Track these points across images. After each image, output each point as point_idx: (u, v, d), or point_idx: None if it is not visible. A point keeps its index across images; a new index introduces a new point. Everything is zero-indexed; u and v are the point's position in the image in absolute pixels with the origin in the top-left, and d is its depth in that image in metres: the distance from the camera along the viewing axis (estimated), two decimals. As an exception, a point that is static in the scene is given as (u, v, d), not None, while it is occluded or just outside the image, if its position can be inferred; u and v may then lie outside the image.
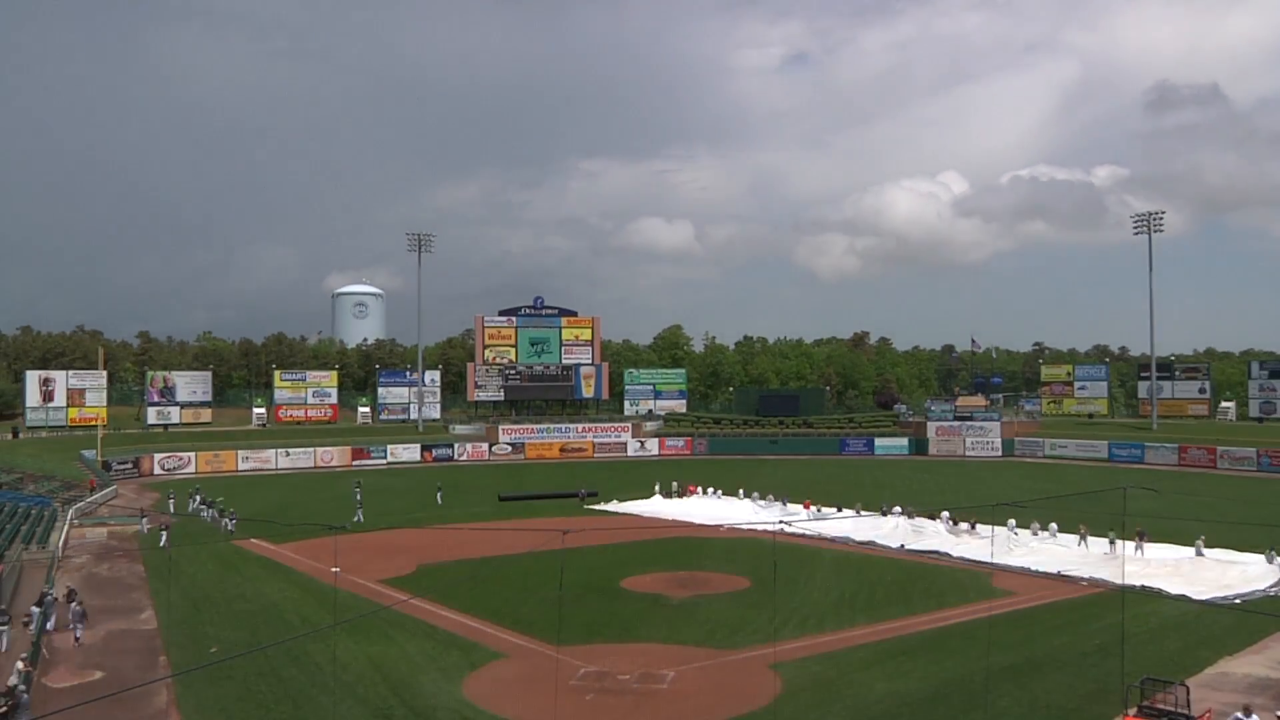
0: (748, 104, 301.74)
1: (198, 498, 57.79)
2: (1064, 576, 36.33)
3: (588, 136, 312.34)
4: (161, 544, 43.37)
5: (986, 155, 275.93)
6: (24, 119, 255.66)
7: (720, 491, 62.38)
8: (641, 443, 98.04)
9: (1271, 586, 33.91)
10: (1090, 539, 42.35)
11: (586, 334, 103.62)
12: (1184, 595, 32.73)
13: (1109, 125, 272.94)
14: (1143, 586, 33.24)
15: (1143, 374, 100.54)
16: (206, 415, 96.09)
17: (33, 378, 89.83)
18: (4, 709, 20.22)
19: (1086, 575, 36.15)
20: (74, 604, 29.69)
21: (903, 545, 43.51)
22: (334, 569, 34.03)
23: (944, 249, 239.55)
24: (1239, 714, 18.98)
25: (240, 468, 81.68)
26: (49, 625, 29.21)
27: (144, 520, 51.75)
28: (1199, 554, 38.41)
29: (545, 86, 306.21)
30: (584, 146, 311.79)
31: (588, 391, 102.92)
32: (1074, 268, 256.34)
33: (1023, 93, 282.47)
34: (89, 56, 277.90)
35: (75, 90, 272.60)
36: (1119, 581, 31.42)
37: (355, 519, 52.35)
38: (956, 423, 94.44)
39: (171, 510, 56.46)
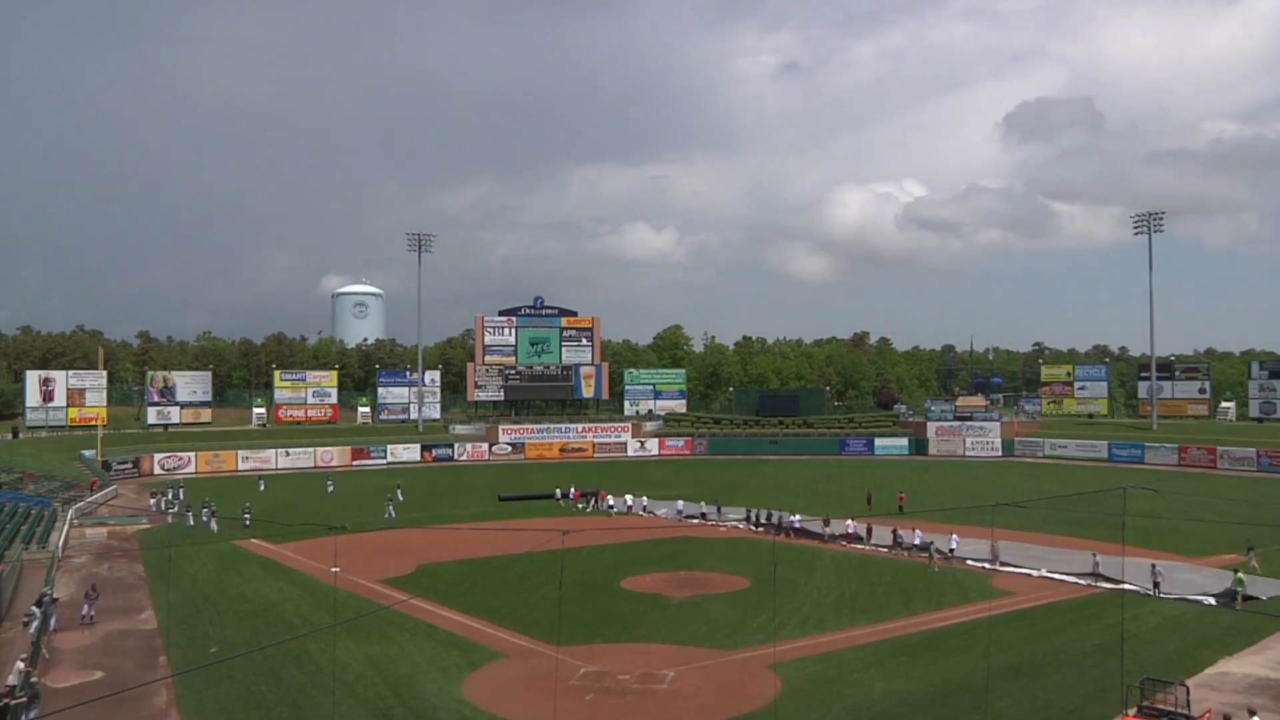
0: (742, 111, 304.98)
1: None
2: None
3: (585, 143, 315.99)
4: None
5: (979, 161, 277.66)
6: (31, 125, 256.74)
7: (645, 499, 57.20)
8: (641, 443, 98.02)
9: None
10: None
11: (586, 334, 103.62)
12: (1183, 596, 32.68)
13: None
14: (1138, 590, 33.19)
15: (1143, 374, 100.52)
16: (206, 415, 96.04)
17: (33, 378, 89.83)
18: (23, 698, 20.35)
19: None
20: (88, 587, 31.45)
21: None
22: (334, 569, 34.05)
23: (936, 250, 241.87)
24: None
25: (240, 468, 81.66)
26: (51, 625, 29.25)
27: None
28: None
29: (543, 95, 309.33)
30: (581, 153, 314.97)
31: (588, 391, 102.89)
32: (1076, 269, 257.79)
33: (1010, 101, 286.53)
34: (96, 65, 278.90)
35: (82, 97, 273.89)
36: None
37: (387, 514, 54.31)
38: (956, 423, 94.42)
39: (181, 506, 57.00)
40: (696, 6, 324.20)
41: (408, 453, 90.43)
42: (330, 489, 67.34)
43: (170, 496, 60.57)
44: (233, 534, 47.98)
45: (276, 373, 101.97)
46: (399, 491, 61.16)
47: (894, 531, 43.32)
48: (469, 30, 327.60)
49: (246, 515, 50.43)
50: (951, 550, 40.19)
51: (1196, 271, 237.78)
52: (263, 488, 69.10)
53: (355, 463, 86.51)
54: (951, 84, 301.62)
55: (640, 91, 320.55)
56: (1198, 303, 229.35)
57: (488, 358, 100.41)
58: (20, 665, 23.10)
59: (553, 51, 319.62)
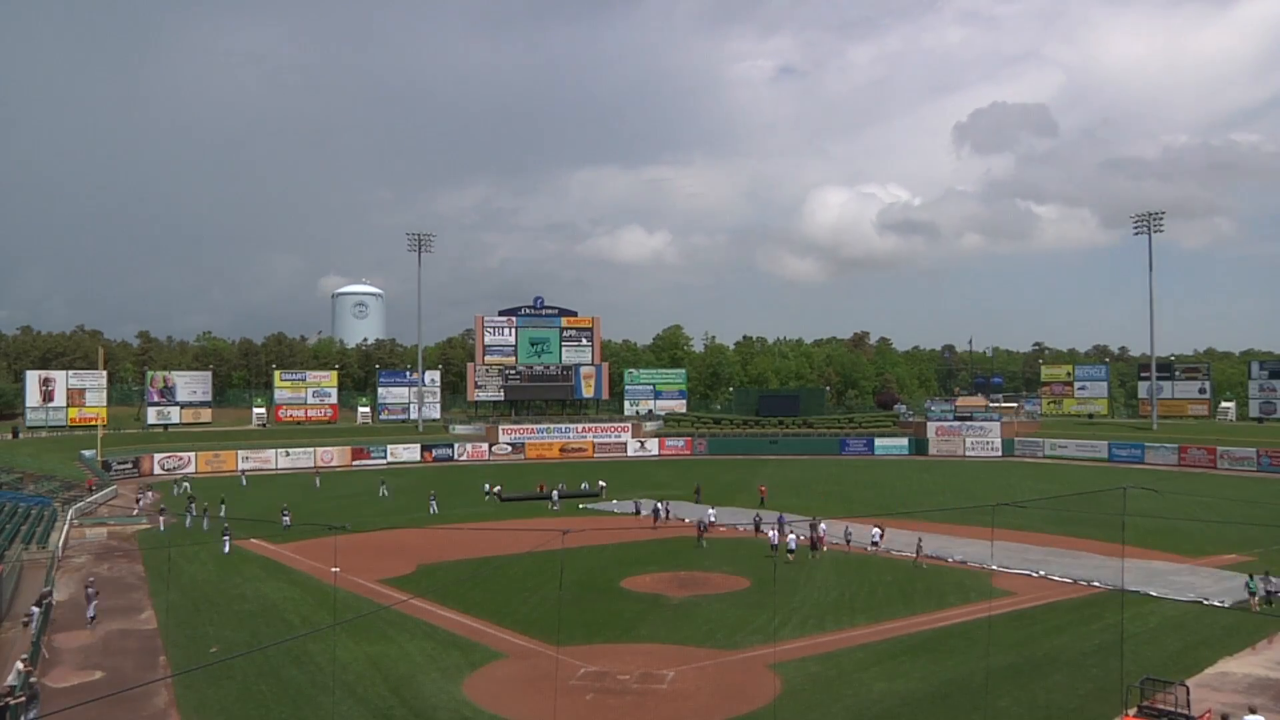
0: (740, 115, 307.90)
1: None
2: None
3: (584, 147, 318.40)
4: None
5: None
6: (33, 127, 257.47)
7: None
8: (641, 443, 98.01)
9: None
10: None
11: (586, 334, 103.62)
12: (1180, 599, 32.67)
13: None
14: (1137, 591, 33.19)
15: (1143, 374, 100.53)
16: (206, 415, 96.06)
17: (33, 378, 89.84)
18: (22, 698, 20.35)
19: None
20: (89, 588, 31.92)
21: None
22: (334, 569, 34.05)
23: (922, 252, 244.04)
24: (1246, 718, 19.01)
25: (240, 468, 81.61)
26: (90, 612, 30.15)
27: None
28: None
29: (543, 100, 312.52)
30: (580, 156, 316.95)
31: (588, 391, 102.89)
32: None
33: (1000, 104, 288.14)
34: (99, 69, 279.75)
35: (85, 100, 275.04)
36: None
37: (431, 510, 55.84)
38: (956, 423, 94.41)
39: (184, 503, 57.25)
40: (695, 12, 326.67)
41: (408, 453, 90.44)
42: (317, 485, 70.04)
43: (177, 493, 61.79)
44: (239, 534, 47.84)
45: (276, 373, 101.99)
46: (316, 481, 64.30)
47: (755, 518, 48.07)
48: (470, 37, 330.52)
49: (286, 515, 50.07)
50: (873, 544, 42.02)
51: (1175, 272, 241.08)
52: (244, 484, 70.99)
53: (355, 463, 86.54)
54: (946, 87, 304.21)
55: (639, 96, 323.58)
56: (1197, 303, 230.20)
57: (488, 358, 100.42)
58: (20, 665, 23.11)
59: (552, 57, 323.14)
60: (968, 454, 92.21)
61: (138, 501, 60.18)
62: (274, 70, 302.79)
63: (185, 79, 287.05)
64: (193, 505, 54.79)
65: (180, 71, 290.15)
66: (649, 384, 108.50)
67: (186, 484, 69.26)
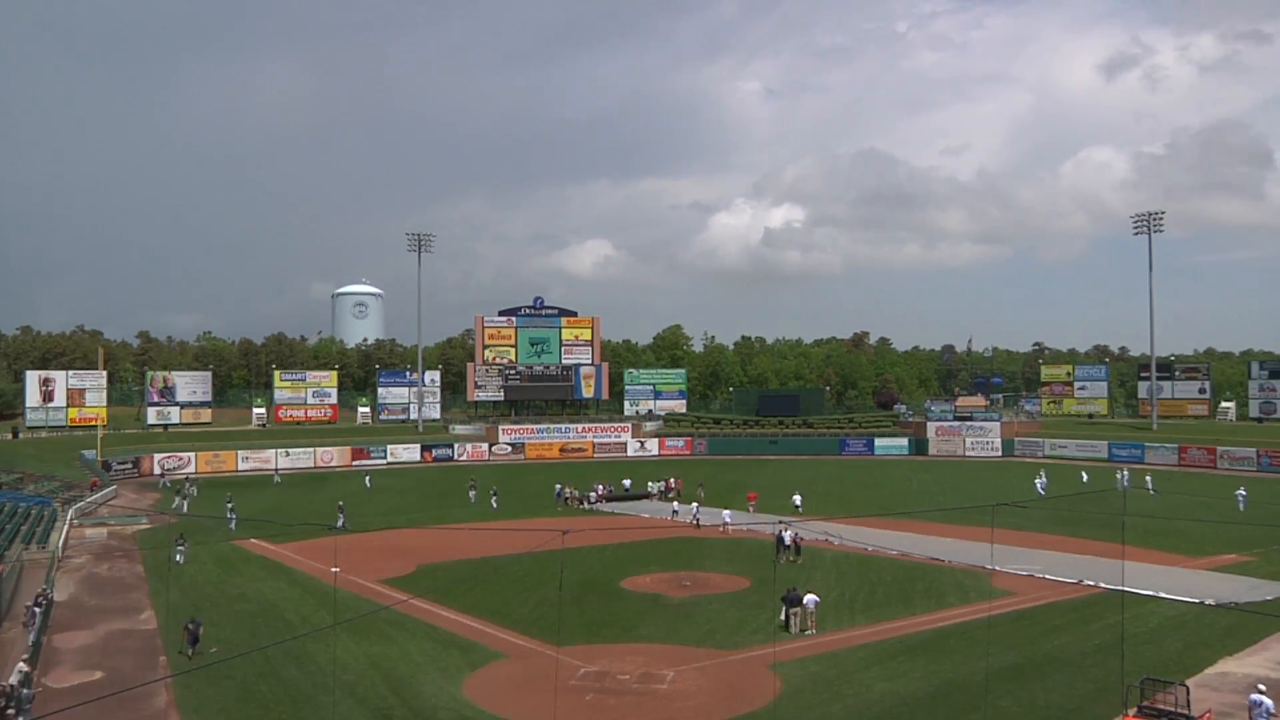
0: (731, 132, 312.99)
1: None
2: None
3: (578, 163, 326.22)
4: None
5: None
6: (37, 128, 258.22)
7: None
8: (641, 443, 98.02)
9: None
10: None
11: (586, 334, 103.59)
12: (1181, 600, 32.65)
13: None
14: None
15: (1143, 374, 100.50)
16: (206, 415, 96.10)
17: (33, 378, 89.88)
18: (9, 707, 20.21)
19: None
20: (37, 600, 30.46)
21: None
22: (334, 569, 34.04)
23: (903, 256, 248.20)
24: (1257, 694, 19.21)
25: (240, 468, 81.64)
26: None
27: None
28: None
29: (542, 119, 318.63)
30: (573, 173, 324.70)
31: (588, 391, 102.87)
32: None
33: (983, 117, 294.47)
34: (110, 74, 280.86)
35: (92, 102, 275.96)
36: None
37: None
38: (956, 423, 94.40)
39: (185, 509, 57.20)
40: (690, 39, 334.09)
41: (408, 453, 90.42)
42: (369, 484, 70.05)
43: (185, 490, 62.78)
44: (244, 533, 47.89)
45: (276, 373, 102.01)
46: (367, 480, 64.73)
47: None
48: (471, 66, 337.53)
49: (340, 516, 49.91)
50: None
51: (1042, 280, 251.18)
52: (278, 481, 72.51)
53: (355, 463, 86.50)
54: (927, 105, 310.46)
55: (637, 115, 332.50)
56: (1198, 303, 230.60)
57: (487, 357, 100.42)
58: (21, 665, 23.12)
59: (543, 82, 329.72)
60: (968, 454, 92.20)
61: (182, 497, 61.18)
62: (278, 90, 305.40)
63: (194, 94, 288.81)
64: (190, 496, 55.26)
65: (188, 85, 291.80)
66: (649, 384, 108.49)
67: (191, 486, 68.83)
